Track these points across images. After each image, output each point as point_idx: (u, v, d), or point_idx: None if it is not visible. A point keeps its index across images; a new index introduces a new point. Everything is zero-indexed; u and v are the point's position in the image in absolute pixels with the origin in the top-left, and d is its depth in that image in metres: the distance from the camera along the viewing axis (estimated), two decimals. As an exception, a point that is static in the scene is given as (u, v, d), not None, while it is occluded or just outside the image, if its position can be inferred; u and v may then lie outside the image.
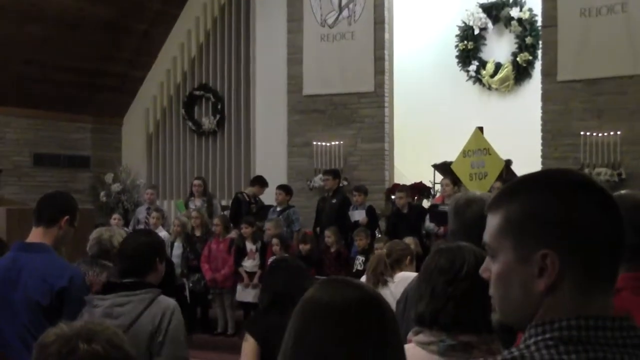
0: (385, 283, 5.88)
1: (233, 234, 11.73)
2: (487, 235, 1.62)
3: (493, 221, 1.60)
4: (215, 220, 11.73)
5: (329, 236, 11.19)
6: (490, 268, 1.61)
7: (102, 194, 16.01)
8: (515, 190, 1.60)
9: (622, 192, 2.83)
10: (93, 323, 1.84)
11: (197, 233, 11.87)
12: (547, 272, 1.51)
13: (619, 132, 11.89)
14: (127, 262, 4.06)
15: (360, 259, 10.70)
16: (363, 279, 6.32)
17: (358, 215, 11.79)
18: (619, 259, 1.55)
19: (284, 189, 12.61)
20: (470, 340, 2.46)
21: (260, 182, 13.02)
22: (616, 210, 1.54)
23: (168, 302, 4.00)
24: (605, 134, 11.98)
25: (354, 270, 10.65)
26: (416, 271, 5.98)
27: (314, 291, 1.96)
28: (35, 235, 4.38)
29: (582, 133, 12.12)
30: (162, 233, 11.90)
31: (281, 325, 3.87)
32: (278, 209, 12.43)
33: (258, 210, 12.65)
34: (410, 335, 2.58)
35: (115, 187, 16.04)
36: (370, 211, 11.95)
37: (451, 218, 3.57)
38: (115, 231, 5.93)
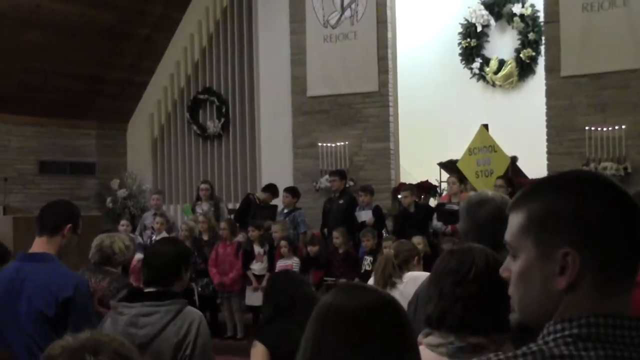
0: (394, 284, 5.86)
1: (240, 237, 11.75)
2: (509, 234, 1.63)
3: (515, 220, 1.62)
4: (222, 224, 11.74)
5: (337, 237, 11.18)
6: (511, 267, 1.62)
7: (108, 200, 16.03)
8: (538, 189, 1.62)
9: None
10: (100, 334, 1.84)
11: (205, 237, 11.89)
12: (568, 270, 1.52)
13: (623, 126, 11.87)
14: (153, 271, 4.02)
15: (368, 259, 10.69)
16: (371, 280, 6.32)
17: (365, 215, 11.78)
18: (637, 257, 1.56)
19: (291, 191, 12.63)
20: (479, 342, 2.46)
21: (272, 191, 13.01)
22: (635, 211, 1.56)
23: (194, 313, 3.96)
24: (610, 128, 11.96)
25: (362, 271, 10.65)
26: (424, 271, 5.97)
27: (329, 297, 1.96)
28: (39, 244, 4.35)
29: (586, 128, 12.10)
30: (168, 238, 11.95)
31: (288, 330, 3.88)
32: (285, 211, 12.45)
33: (265, 209, 12.66)
34: (420, 338, 2.58)
35: (121, 192, 16.07)
36: (377, 211, 11.94)
37: (463, 217, 3.57)
38: (116, 237, 5.93)
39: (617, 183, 1.60)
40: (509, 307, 2.53)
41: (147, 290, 3.99)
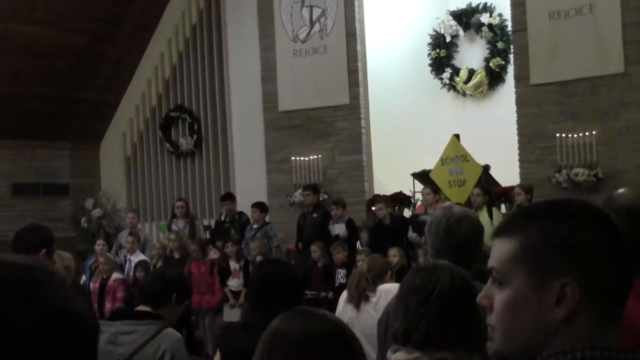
0: (367, 298, 5.87)
1: (212, 254, 11.74)
2: (496, 261, 1.57)
3: (505, 246, 1.56)
4: (192, 246, 11.68)
5: (315, 251, 11.18)
6: (492, 295, 1.57)
7: (82, 220, 15.94)
8: (531, 216, 1.58)
9: (617, 192, 2.75)
10: None
11: (176, 255, 11.83)
12: (566, 302, 1.49)
13: (593, 132, 11.98)
14: (143, 292, 4.14)
15: (341, 272, 10.71)
16: (345, 293, 6.31)
17: (338, 229, 11.79)
18: (629, 286, 1.54)
19: (259, 206, 12.67)
20: (445, 357, 2.49)
21: (230, 197, 13.37)
22: (626, 242, 1.54)
23: (173, 335, 3.99)
24: (581, 134, 12.06)
25: (337, 284, 10.66)
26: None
27: (279, 322, 1.94)
28: None
29: (557, 135, 12.19)
30: (140, 257, 11.93)
31: (247, 346, 3.78)
32: (255, 226, 12.46)
33: (241, 227, 12.71)
34: (389, 354, 2.60)
35: (96, 212, 15.99)
36: (350, 224, 11.95)
37: (437, 236, 3.50)
38: (57, 257, 5.86)
39: (607, 213, 1.58)
40: (477, 324, 2.55)
41: (131, 310, 4.04)
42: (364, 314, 5.70)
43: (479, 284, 3.34)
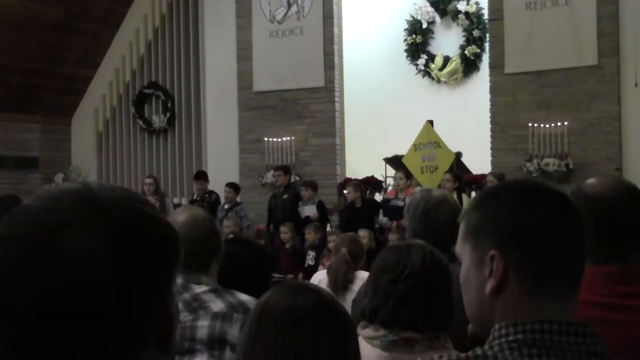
0: (348, 284, 5.76)
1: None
2: (457, 244, 1.65)
3: (460, 229, 1.65)
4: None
5: (286, 232, 11.19)
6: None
7: (52, 194, 15.79)
8: (480, 199, 1.65)
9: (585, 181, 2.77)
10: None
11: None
12: (493, 273, 1.53)
13: (565, 123, 12.07)
14: None
15: (311, 254, 10.73)
16: (318, 275, 6.26)
17: (309, 210, 11.80)
18: (575, 265, 1.55)
19: (233, 186, 12.66)
20: (412, 336, 2.50)
21: (204, 176, 13.36)
22: (574, 219, 1.56)
23: None
24: (553, 124, 12.15)
25: (306, 265, 10.68)
26: (367, 265, 5.95)
27: (269, 296, 1.93)
28: None
29: (530, 124, 12.27)
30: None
31: None
32: (226, 206, 12.44)
33: (211, 206, 12.65)
34: (358, 329, 2.61)
35: (66, 187, 15.85)
36: (320, 206, 11.98)
37: (416, 219, 3.52)
38: None
39: (560, 191, 1.61)
40: (447, 305, 2.58)
41: None
42: (347, 299, 5.62)
43: (455, 266, 3.37)
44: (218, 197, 12.87)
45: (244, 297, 3.02)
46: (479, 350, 1.50)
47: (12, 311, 1.00)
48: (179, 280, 2.98)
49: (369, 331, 2.58)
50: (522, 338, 1.47)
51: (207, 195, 13.02)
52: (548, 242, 1.52)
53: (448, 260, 3.34)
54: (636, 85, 11.55)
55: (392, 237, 10.02)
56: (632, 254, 2.27)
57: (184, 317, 2.89)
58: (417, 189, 10.94)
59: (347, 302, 5.49)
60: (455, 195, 10.75)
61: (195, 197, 13.17)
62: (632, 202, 2.33)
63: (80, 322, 1.00)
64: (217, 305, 2.95)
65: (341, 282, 5.74)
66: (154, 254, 1.08)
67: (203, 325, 2.87)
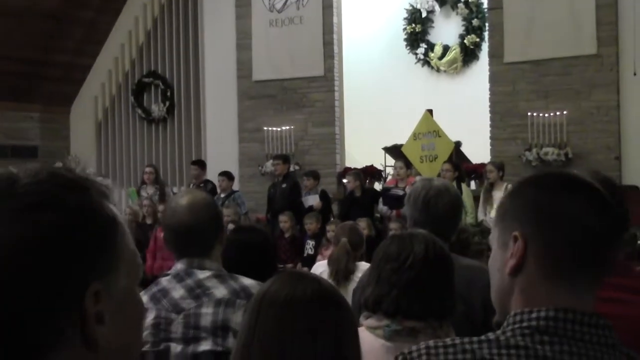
0: (350, 275, 5.74)
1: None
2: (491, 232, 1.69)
3: (495, 217, 1.68)
4: (160, 207, 11.56)
5: (285, 221, 11.19)
6: None
7: (51, 184, 15.80)
8: (512, 187, 1.67)
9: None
10: None
11: (149, 221, 11.79)
12: (513, 253, 1.54)
13: (565, 112, 12.08)
14: None
15: (310, 243, 10.75)
16: (318, 265, 6.26)
17: (312, 200, 11.82)
18: (597, 256, 1.54)
19: (226, 175, 12.66)
20: (415, 326, 2.51)
21: (200, 164, 13.32)
22: (600, 209, 1.55)
23: None
24: (552, 114, 12.16)
25: (305, 255, 10.70)
26: (367, 253, 5.94)
27: (269, 285, 1.94)
28: None
29: (529, 114, 12.29)
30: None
31: None
32: (222, 195, 12.44)
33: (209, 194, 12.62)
34: (361, 319, 2.62)
35: (65, 176, 15.85)
36: (324, 195, 12.00)
37: (416, 208, 3.52)
38: None
39: (591, 182, 1.60)
40: (449, 294, 2.60)
41: None
42: (349, 290, 5.59)
43: (456, 256, 3.40)
44: (214, 186, 12.85)
45: (247, 281, 3.03)
46: (491, 335, 1.51)
47: None
48: (181, 266, 3.00)
49: (372, 321, 2.58)
50: (535, 325, 1.48)
51: (202, 184, 12.97)
52: (569, 228, 1.52)
53: (450, 249, 3.36)
54: (635, 74, 11.54)
55: (394, 226, 10.03)
56: None
57: (188, 304, 2.91)
58: (417, 178, 10.98)
59: (349, 293, 5.46)
60: (454, 185, 10.77)
61: (191, 186, 13.14)
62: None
63: None
64: (220, 291, 2.94)
65: (342, 272, 5.73)
66: (61, 242, 1.02)
67: (207, 313, 2.87)
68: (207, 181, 13.06)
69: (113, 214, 1.11)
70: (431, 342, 1.55)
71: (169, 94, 15.73)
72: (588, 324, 1.48)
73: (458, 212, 3.62)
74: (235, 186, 13.09)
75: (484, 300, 2.68)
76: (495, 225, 1.63)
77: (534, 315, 1.49)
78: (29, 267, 1.00)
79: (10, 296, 0.99)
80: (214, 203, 3.33)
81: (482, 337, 1.51)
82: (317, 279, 1.99)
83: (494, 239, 1.62)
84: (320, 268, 5.95)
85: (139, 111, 16.03)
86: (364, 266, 5.51)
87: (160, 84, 15.82)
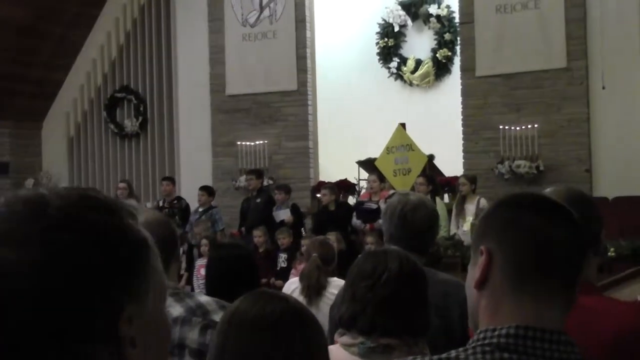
0: (322, 290, 5.70)
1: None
2: None
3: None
4: None
5: (259, 236, 11.17)
6: None
7: (23, 200, 15.68)
8: (484, 212, 1.71)
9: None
10: None
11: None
12: (478, 266, 1.57)
13: (536, 125, 12.18)
14: None
15: (282, 256, 10.77)
16: (290, 282, 6.21)
17: (283, 214, 11.81)
18: (560, 267, 1.56)
19: (207, 190, 12.59)
20: (390, 343, 2.51)
21: (171, 180, 13.16)
22: (563, 222, 1.58)
23: None
24: (524, 127, 12.26)
25: (278, 268, 10.71)
26: (340, 267, 5.92)
27: (238, 303, 1.94)
28: None
29: (501, 127, 12.37)
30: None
31: None
32: (200, 209, 12.40)
33: (182, 213, 12.55)
34: (336, 336, 2.63)
35: (37, 192, 15.74)
36: (295, 209, 12.01)
37: (392, 223, 3.50)
38: None
39: (556, 200, 1.65)
40: (423, 310, 2.61)
41: None
42: (321, 305, 5.55)
43: (433, 270, 3.41)
44: (187, 204, 12.75)
45: (203, 298, 3.02)
46: (453, 353, 1.52)
47: None
48: None
49: (346, 338, 2.58)
50: (496, 342, 1.49)
51: (175, 201, 12.86)
52: (531, 239, 1.55)
53: (425, 264, 3.38)
54: (603, 87, 11.68)
55: (370, 240, 10.06)
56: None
57: None
58: (391, 191, 11.02)
59: (321, 308, 5.47)
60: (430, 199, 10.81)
61: (162, 203, 12.96)
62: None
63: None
64: (176, 310, 2.95)
65: (314, 287, 5.69)
66: (95, 267, 1.01)
67: None
68: (180, 198, 12.95)
69: (144, 235, 1.10)
70: None
71: (141, 108, 15.68)
72: (549, 341, 1.50)
73: (435, 226, 3.64)
74: (211, 201, 13.04)
75: (461, 314, 2.69)
76: (471, 247, 1.67)
77: (496, 332, 1.50)
78: (64, 290, 0.98)
79: (45, 319, 0.97)
80: (167, 221, 3.32)
81: (443, 356, 1.52)
82: (285, 298, 1.99)
83: (470, 259, 1.66)
84: (293, 285, 5.90)
85: (112, 126, 15.96)
86: (336, 282, 5.48)
87: (133, 98, 15.76)
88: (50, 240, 0.99)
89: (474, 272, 1.59)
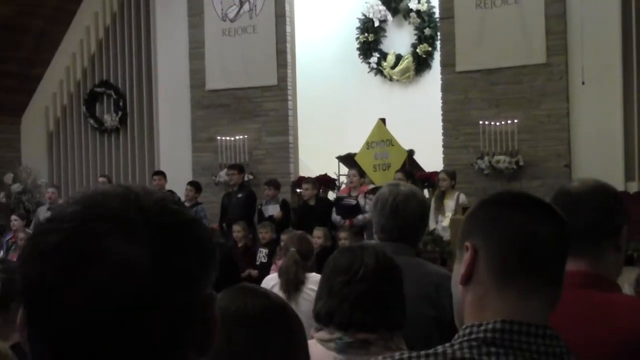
0: (300, 286, 5.69)
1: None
2: None
3: None
4: None
5: (239, 231, 11.15)
6: None
7: (1, 194, 15.61)
8: (468, 211, 1.72)
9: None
10: None
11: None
12: (463, 262, 1.59)
13: (515, 121, 12.22)
14: None
15: (263, 251, 10.74)
16: (269, 278, 6.20)
17: (272, 209, 11.82)
18: (545, 261, 1.58)
19: (195, 185, 12.60)
20: (367, 338, 2.51)
21: (163, 174, 13.21)
22: (547, 217, 1.60)
23: None
24: (503, 122, 12.29)
25: (258, 263, 10.68)
26: (317, 264, 5.91)
27: (218, 299, 1.94)
28: None
29: (480, 122, 12.40)
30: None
31: None
32: (187, 204, 12.37)
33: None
34: (312, 332, 2.62)
35: (15, 187, 15.66)
36: (285, 205, 12.01)
37: (384, 214, 3.46)
38: None
39: (541, 198, 1.66)
40: (400, 305, 2.61)
41: None
42: (300, 301, 5.53)
43: (423, 262, 3.40)
44: (179, 197, 12.70)
45: None
46: (440, 348, 1.52)
47: (55, 317, 1.01)
48: None
49: (323, 334, 2.58)
50: (482, 337, 1.50)
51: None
52: (514, 234, 1.57)
53: (415, 255, 3.37)
54: (583, 83, 11.71)
55: (343, 235, 10.07)
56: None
57: None
58: (371, 186, 11.04)
59: (299, 303, 5.47)
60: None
61: None
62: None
63: (120, 327, 1.02)
64: None
65: (292, 283, 5.68)
66: (196, 259, 1.09)
67: None
68: (172, 192, 12.90)
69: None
70: (379, 358, 1.57)
71: (121, 103, 15.61)
72: (535, 335, 1.51)
73: (425, 217, 3.62)
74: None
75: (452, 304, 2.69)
76: (456, 244, 1.68)
77: (482, 327, 1.51)
78: (175, 285, 1.05)
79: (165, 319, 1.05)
80: None
81: (430, 351, 1.52)
82: (266, 293, 1.99)
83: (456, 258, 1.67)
84: (272, 281, 5.88)
85: (91, 121, 15.88)
86: (314, 277, 5.46)
87: (113, 93, 15.68)
88: (160, 238, 1.05)
89: (459, 269, 1.61)
